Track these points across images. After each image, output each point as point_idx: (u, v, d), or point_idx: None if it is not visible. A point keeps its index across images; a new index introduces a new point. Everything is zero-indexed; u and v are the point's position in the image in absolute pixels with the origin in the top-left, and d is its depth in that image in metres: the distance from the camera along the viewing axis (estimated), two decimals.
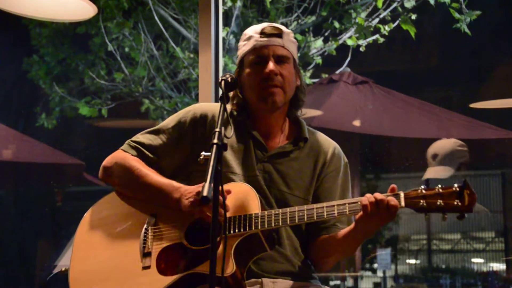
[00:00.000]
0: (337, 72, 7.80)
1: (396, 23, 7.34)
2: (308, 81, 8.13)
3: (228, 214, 2.24)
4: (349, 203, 2.19)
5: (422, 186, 2.11)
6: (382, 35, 7.55)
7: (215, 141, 2.00)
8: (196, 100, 7.88)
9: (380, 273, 9.87)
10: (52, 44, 8.93)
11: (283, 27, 2.47)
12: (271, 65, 2.38)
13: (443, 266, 11.12)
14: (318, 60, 7.97)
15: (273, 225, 2.22)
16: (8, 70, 8.57)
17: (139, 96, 8.62)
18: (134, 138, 2.51)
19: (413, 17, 7.14)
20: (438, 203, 2.06)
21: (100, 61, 8.76)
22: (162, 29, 7.96)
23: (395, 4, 7.42)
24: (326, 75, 8.10)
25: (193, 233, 2.28)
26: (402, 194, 2.13)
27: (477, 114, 6.88)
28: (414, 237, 11.54)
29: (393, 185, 2.16)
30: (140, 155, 2.46)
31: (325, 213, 2.19)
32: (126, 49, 8.36)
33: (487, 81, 8.26)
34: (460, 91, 8.68)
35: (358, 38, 7.57)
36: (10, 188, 8.73)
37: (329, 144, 2.54)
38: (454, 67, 8.52)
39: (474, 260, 11.25)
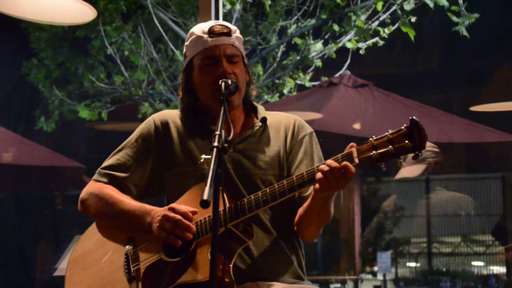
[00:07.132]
0: (337, 75, 7.80)
1: (395, 26, 7.34)
2: (308, 84, 8.14)
3: (198, 217, 2.24)
4: (306, 172, 2.17)
5: (373, 136, 2.09)
6: (382, 38, 7.56)
7: (215, 144, 1.99)
8: None
9: (380, 276, 9.84)
10: (51, 47, 8.93)
11: (230, 25, 2.45)
12: (224, 65, 2.35)
13: (444, 269, 11.11)
14: (318, 63, 7.98)
15: (240, 216, 2.21)
16: (7, 73, 8.57)
17: (139, 99, 8.62)
18: (103, 165, 2.51)
19: (413, 19, 7.14)
20: (390, 149, 2.04)
21: (99, 64, 8.76)
22: (161, 32, 7.96)
23: (394, 7, 7.42)
24: (326, 78, 8.10)
25: (170, 245, 2.27)
26: (354, 151, 2.11)
27: (477, 117, 6.87)
28: (414, 240, 11.51)
29: (351, 143, 2.14)
30: (111, 181, 2.46)
31: (286, 189, 2.18)
32: (126, 52, 8.36)
33: (488, 84, 8.25)
34: (460, 94, 8.68)
35: (358, 41, 7.58)
36: (10, 191, 8.71)
37: (290, 118, 2.51)
38: (454, 70, 8.51)
39: (474, 263, 11.23)
